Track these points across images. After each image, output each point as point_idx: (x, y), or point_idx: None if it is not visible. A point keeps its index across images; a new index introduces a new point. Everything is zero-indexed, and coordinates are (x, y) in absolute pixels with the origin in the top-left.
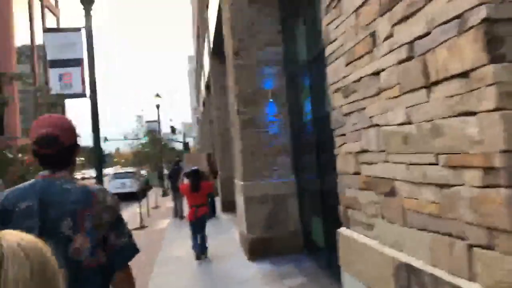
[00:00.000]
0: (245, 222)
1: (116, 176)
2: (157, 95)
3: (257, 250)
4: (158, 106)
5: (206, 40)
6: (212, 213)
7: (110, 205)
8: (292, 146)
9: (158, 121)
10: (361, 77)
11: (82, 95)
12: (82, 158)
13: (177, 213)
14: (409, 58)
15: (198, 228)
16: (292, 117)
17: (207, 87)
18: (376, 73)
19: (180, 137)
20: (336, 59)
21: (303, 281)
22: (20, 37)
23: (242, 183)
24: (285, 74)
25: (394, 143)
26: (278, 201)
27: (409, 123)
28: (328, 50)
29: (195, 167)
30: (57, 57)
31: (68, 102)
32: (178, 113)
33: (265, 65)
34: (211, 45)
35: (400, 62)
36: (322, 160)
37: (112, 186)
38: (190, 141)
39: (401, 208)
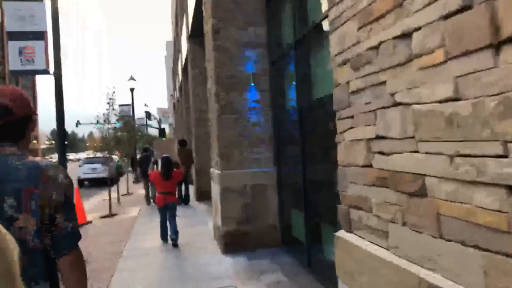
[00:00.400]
0: (220, 214)
1: (87, 161)
2: (132, 78)
3: (232, 244)
4: (132, 90)
5: (184, 22)
6: (185, 200)
7: (62, 183)
8: (274, 135)
9: (132, 105)
10: (380, 42)
11: (45, 71)
12: (52, 141)
13: (149, 200)
14: (463, 9)
15: (166, 215)
16: (274, 104)
17: (184, 72)
18: (405, 36)
19: (155, 123)
20: (344, 23)
21: (281, 278)
22: None
23: (218, 172)
24: (268, 57)
25: (431, 127)
26: (257, 193)
27: (459, 99)
28: (332, 14)
29: (166, 154)
30: (18, 29)
31: (39, 82)
32: (154, 99)
33: (247, 47)
34: (190, 27)
35: (448, 15)
36: (306, 151)
37: (82, 171)
38: (166, 128)
39: (435, 213)
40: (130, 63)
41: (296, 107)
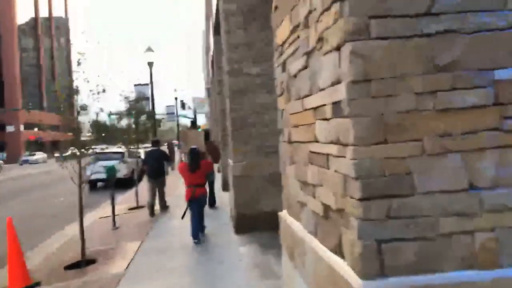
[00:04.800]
0: None
1: (99, 157)
2: (149, 49)
3: None
4: (151, 65)
5: None
6: (211, 201)
7: None
8: None
9: (151, 84)
10: None
11: None
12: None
13: (160, 207)
14: None
15: (196, 209)
16: None
17: (216, 27)
18: None
19: (191, 114)
20: None
21: None
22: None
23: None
24: None
25: None
26: None
27: None
28: None
29: (194, 146)
30: None
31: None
32: (191, 92)
33: None
34: None
35: None
36: None
37: (93, 170)
38: (202, 118)
39: None
40: (163, 56)
41: None
